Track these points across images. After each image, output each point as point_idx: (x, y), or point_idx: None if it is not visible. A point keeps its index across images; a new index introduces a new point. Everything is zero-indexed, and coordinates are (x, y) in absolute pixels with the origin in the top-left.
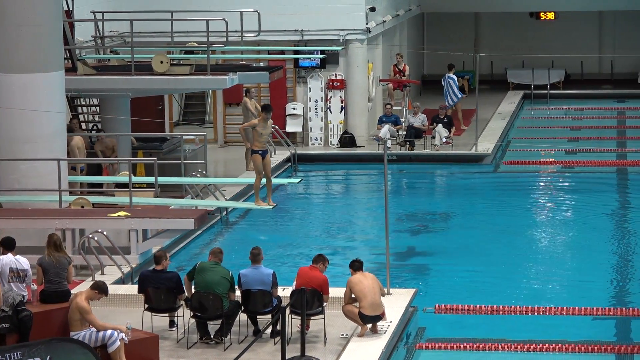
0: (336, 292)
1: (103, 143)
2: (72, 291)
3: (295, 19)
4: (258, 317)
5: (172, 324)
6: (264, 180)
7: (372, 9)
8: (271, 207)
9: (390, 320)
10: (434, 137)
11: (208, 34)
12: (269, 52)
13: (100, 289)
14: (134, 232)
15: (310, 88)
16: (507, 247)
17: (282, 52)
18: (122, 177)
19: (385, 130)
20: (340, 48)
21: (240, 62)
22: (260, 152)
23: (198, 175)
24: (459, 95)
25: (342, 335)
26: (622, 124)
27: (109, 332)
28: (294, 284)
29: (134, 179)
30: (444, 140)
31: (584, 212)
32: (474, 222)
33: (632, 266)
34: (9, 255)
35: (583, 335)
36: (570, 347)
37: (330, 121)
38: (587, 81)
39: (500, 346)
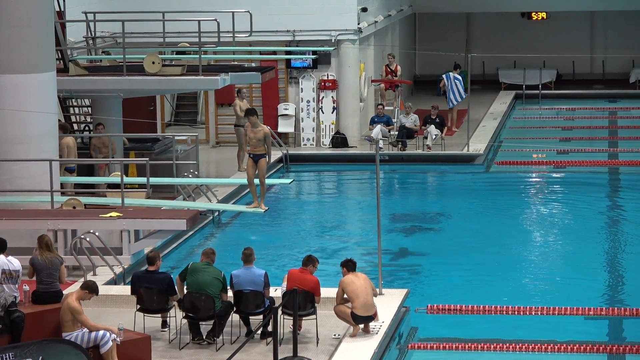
0: (328, 292)
1: (100, 138)
2: (64, 292)
3: (287, 19)
4: (250, 317)
5: (164, 324)
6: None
7: (364, 9)
8: (263, 210)
9: (382, 320)
10: (425, 137)
11: (200, 35)
12: (260, 53)
13: (90, 288)
14: (125, 232)
15: (302, 88)
16: (499, 247)
17: (274, 53)
18: (114, 178)
19: (377, 130)
20: (332, 48)
21: (232, 63)
22: (251, 156)
23: (190, 175)
24: (464, 95)
25: (334, 335)
26: (613, 124)
27: (101, 332)
28: (283, 286)
29: (126, 179)
30: (434, 137)
31: (576, 211)
32: (466, 222)
33: (624, 266)
34: (2, 256)
35: (575, 335)
36: (562, 347)
37: (322, 121)
38: (578, 81)
39: (492, 346)
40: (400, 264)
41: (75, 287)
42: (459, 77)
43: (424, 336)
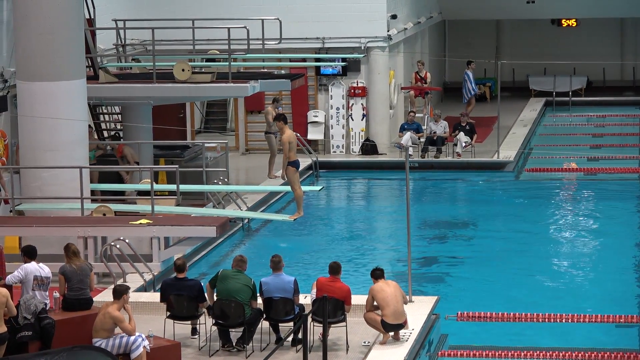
0: (358, 299)
1: (132, 147)
2: (95, 299)
3: (316, 27)
4: (280, 324)
5: (194, 331)
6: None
7: (394, 16)
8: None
9: (412, 327)
10: (455, 145)
11: (229, 42)
12: (290, 60)
13: (122, 292)
14: (155, 239)
15: (331, 95)
16: (529, 254)
17: (304, 60)
18: (144, 185)
19: (407, 137)
20: (362, 55)
21: (262, 70)
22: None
23: (220, 183)
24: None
25: (364, 342)
26: None
27: (132, 338)
28: (313, 293)
29: (156, 186)
30: (464, 144)
31: (606, 219)
32: (496, 229)
33: None
34: (33, 263)
35: (606, 342)
36: (593, 355)
37: (351, 129)
38: (609, 88)
39: (522, 354)
40: (430, 271)
41: (106, 294)
42: (468, 73)
43: (454, 344)
